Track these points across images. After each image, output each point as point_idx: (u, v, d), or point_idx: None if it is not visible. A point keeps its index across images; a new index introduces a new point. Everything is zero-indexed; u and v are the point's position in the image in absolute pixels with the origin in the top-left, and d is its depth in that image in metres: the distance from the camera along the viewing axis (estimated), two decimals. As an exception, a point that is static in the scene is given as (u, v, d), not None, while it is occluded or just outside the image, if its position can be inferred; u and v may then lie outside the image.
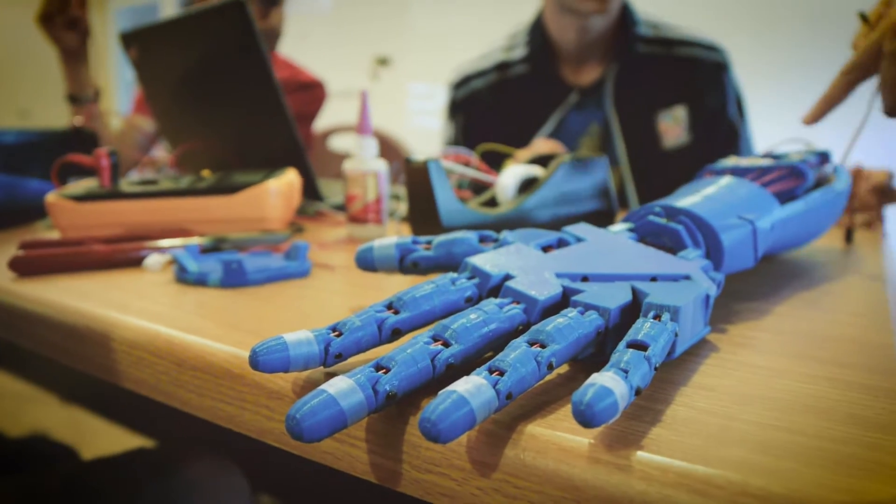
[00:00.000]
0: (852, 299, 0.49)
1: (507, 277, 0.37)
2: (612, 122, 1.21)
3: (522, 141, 1.24)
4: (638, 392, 0.27)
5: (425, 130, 4.23)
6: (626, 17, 1.22)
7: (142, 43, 1.02)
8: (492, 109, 1.31)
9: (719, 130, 1.23)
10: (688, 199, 0.48)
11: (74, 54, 1.27)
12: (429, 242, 0.44)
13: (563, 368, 0.34)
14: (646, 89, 1.22)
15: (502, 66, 1.29)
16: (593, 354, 0.34)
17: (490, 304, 0.34)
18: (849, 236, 0.73)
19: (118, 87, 6.04)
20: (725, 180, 0.52)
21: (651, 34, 1.23)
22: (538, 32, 1.26)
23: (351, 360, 0.34)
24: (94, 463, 0.72)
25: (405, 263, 0.44)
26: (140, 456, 0.73)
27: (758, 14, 3.02)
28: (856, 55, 0.56)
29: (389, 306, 0.35)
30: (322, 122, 1.79)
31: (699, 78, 1.22)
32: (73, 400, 1.54)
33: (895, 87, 0.52)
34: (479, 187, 0.73)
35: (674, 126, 1.21)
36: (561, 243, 0.43)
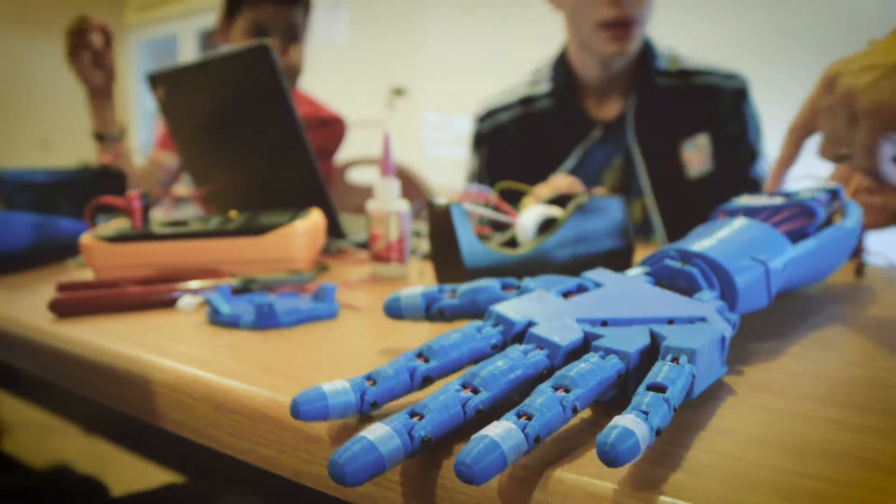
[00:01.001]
0: (866, 338, 0.51)
1: (531, 324, 0.39)
2: (635, 155, 1.24)
3: (545, 174, 1.26)
4: (658, 432, 0.29)
5: (441, 159, 4.26)
6: (647, 52, 1.25)
7: (168, 83, 1.06)
8: (516, 143, 1.33)
9: (741, 156, 1.25)
10: (702, 242, 0.49)
11: (101, 93, 1.32)
12: (453, 290, 0.46)
13: (587, 412, 0.36)
14: (668, 120, 1.24)
15: (527, 101, 1.32)
16: (615, 396, 0.36)
17: (515, 350, 0.36)
18: (859, 271, 0.74)
19: (139, 119, 6.14)
20: (738, 222, 0.54)
21: (670, 67, 1.26)
22: (562, 68, 1.29)
23: (385, 406, 0.36)
24: (124, 499, 0.74)
25: (431, 312, 0.46)
26: (170, 492, 0.75)
27: (774, 43, 3.05)
28: (797, 115, 0.64)
29: (420, 355, 0.37)
30: (340, 154, 1.83)
31: (719, 105, 1.25)
32: (95, 431, 1.56)
33: (832, 138, 0.60)
34: (499, 222, 0.75)
35: (697, 155, 1.23)
36: (580, 289, 0.45)
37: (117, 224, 0.82)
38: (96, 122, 1.34)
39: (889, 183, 0.58)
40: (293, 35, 1.54)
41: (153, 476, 1.04)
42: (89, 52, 1.27)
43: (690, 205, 1.18)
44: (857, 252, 0.75)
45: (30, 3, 5.48)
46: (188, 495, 0.75)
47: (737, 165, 1.25)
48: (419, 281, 0.74)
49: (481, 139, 1.39)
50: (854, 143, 0.56)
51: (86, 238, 0.74)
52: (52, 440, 2.06)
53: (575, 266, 0.64)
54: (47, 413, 1.49)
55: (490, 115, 1.37)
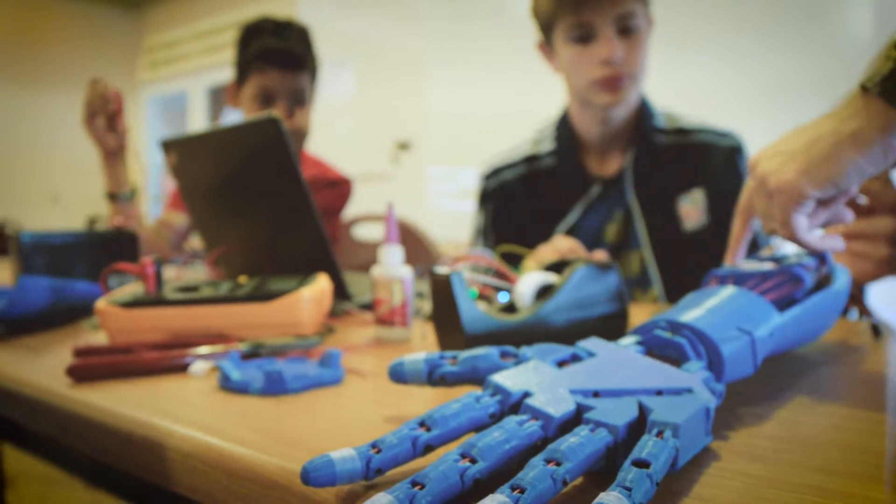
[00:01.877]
0: (852, 401, 0.53)
1: (526, 395, 0.41)
2: (633, 209, 1.28)
3: (549, 230, 1.32)
4: (641, 508, 0.31)
5: (446, 212, 4.31)
6: (644, 111, 1.30)
7: (180, 150, 1.10)
8: (520, 200, 1.38)
9: (735, 211, 1.29)
10: (691, 312, 0.52)
11: (114, 155, 1.36)
12: (454, 357, 0.49)
13: (578, 481, 0.38)
14: (665, 176, 1.29)
15: (531, 159, 1.38)
16: (604, 466, 0.38)
17: (511, 421, 0.38)
18: (876, 332, 0.75)
19: (148, 173, 6.23)
20: (726, 291, 0.56)
21: (667, 125, 1.32)
22: (564, 127, 1.35)
23: (388, 473, 0.38)
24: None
25: (433, 377, 0.48)
26: None
27: (770, 96, 3.11)
28: (740, 198, 0.75)
29: (422, 423, 0.39)
30: (346, 210, 1.87)
31: (713, 161, 1.29)
32: (96, 484, 1.56)
33: (762, 215, 0.67)
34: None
35: (693, 209, 1.28)
36: (575, 358, 0.48)
37: (131, 289, 0.85)
38: (109, 182, 1.38)
39: (812, 249, 0.64)
40: (299, 100, 1.59)
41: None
42: (103, 117, 1.32)
43: (687, 257, 1.25)
44: (863, 313, 0.77)
45: (42, 58, 5.62)
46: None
47: (731, 220, 1.28)
48: (422, 344, 0.76)
49: (487, 196, 1.43)
50: (774, 218, 0.64)
51: (101, 303, 0.76)
52: (56, 493, 2.06)
53: (571, 330, 0.67)
54: (50, 465, 1.49)
55: (495, 173, 1.42)
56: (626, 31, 1.19)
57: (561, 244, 1.04)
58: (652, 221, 1.28)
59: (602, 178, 1.32)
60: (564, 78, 1.30)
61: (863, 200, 0.70)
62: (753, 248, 1.10)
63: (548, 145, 1.37)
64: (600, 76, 1.20)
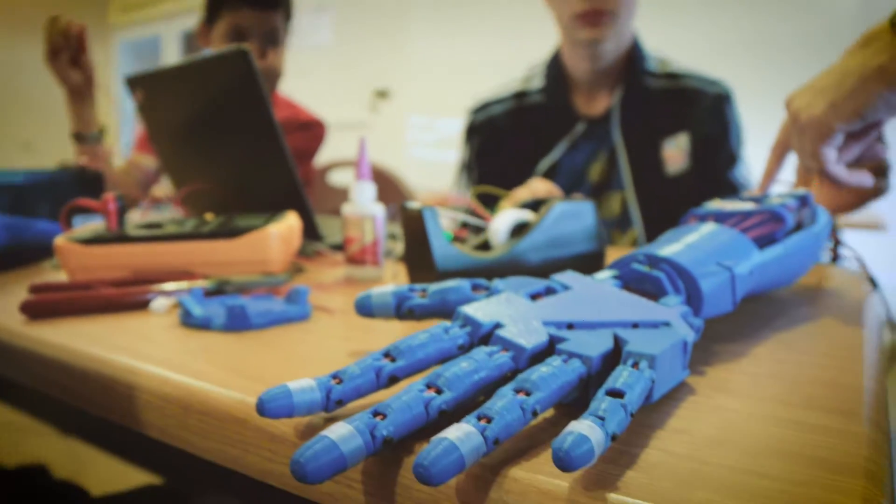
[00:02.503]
0: (829, 340, 0.52)
1: (497, 326, 0.39)
2: (618, 150, 1.28)
3: (533, 166, 1.32)
4: (614, 438, 0.29)
5: (424, 162, 4.28)
6: (635, 52, 1.29)
7: (147, 86, 1.06)
8: (506, 134, 1.38)
9: (720, 159, 1.28)
10: (670, 246, 0.50)
11: (80, 93, 1.31)
12: (424, 290, 0.47)
13: (549, 413, 0.36)
14: (651, 118, 1.28)
15: (520, 95, 1.37)
16: (577, 399, 0.36)
17: (480, 352, 0.36)
18: (835, 258, 0.77)
19: (121, 120, 6.10)
20: (707, 227, 0.54)
21: (659, 69, 1.30)
22: (555, 65, 1.33)
23: (350, 405, 0.37)
24: (102, 500, 0.74)
25: (402, 311, 0.46)
26: (147, 493, 0.75)
27: (757, 51, 3.08)
28: (777, 135, 0.76)
29: (387, 354, 0.37)
30: (321, 156, 1.83)
31: (701, 107, 1.28)
32: (71, 432, 1.55)
33: (796, 150, 0.70)
34: (475, 226, 0.76)
35: (676, 153, 1.27)
36: (549, 291, 0.46)
37: (93, 226, 0.82)
38: (75, 122, 1.34)
39: (838, 182, 0.67)
40: (272, 39, 1.54)
41: (132, 477, 1.03)
42: (67, 53, 1.27)
43: (668, 201, 1.24)
44: (835, 243, 0.78)
45: (9, 3, 5.44)
46: (164, 496, 0.75)
47: (714, 167, 1.28)
48: (393, 283, 0.74)
49: (473, 130, 1.43)
50: (806, 152, 0.67)
51: (60, 240, 0.73)
52: (29, 441, 2.04)
53: (547, 269, 0.65)
54: (22, 414, 1.48)
55: (484, 107, 1.41)
56: None
57: (538, 186, 1.02)
58: (636, 163, 1.27)
59: (589, 116, 1.31)
60: (552, 11, 1.27)
61: None
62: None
63: (537, 82, 1.36)
64: (580, 10, 1.18)
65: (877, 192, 0.75)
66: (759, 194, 0.74)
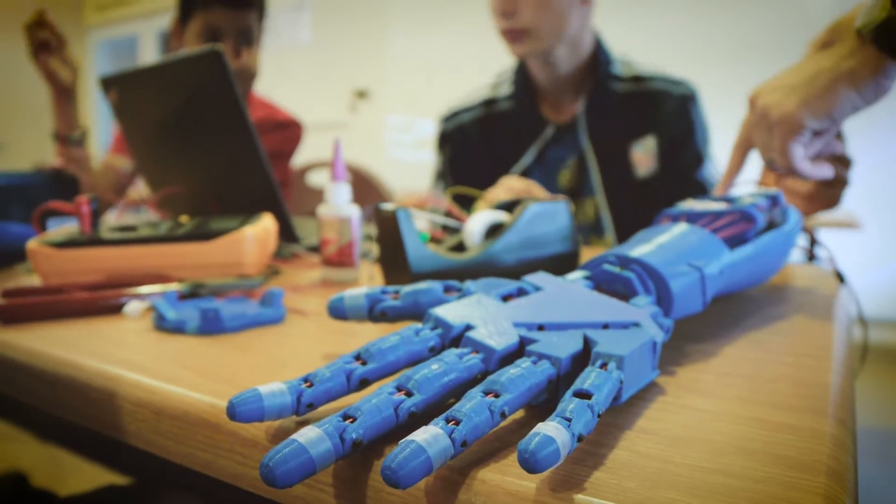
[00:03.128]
0: (799, 339, 0.52)
1: (468, 328, 0.40)
2: (587, 155, 1.28)
3: (503, 173, 1.31)
4: (580, 439, 0.30)
5: (403, 162, 4.27)
6: (600, 57, 1.29)
7: (121, 87, 1.05)
8: (477, 142, 1.38)
9: (686, 159, 1.29)
10: (641, 247, 0.51)
11: (65, 92, 1.30)
12: (396, 292, 0.47)
13: (519, 414, 0.37)
14: (618, 122, 1.29)
15: (489, 102, 1.38)
16: (547, 400, 0.37)
17: (451, 354, 0.37)
18: (811, 257, 0.78)
19: (98, 120, 6.05)
20: (678, 228, 0.55)
21: (624, 73, 1.30)
22: (522, 72, 1.34)
23: (321, 408, 0.37)
24: (69, 500, 0.74)
25: (374, 313, 0.46)
26: (111, 492, 0.75)
27: (726, 52, 3.11)
28: (738, 133, 0.76)
29: (357, 357, 0.38)
30: (300, 157, 1.82)
31: (666, 109, 1.29)
32: (50, 439, 1.53)
33: (761, 147, 0.72)
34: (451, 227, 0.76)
35: (645, 156, 1.28)
36: (520, 292, 0.46)
37: (67, 230, 0.82)
38: (59, 123, 1.32)
39: (806, 177, 0.69)
40: (247, 39, 1.53)
41: (109, 482, 1.02)
42: (52, 49, 1.26)
43: (639, 204, 1.25)
44: (811, 242, 0.79)
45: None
46: (128, 497, 0.75)
47: (682, 168, 1.29)
48: (368, 285, 0.74)
49: (445, 139, 1.43)
50: (773, 149, 0.69)
51: (33, 244, 0.73)
52: (7, 448, 2.02)
53: (522, 270, 0.65)
54: (2, 422, 1.46)
55: (454, 115, 1.42)
56: None
57: (515, 184, 1.02)
58: (605, 168, 1.28)
59: (557, 122, 1.32)
60: None
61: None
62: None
63: (506, 89, 1.37)
64: (500, 28, 1.21)
65: (835, 191, 0.76)
66: (720, 194, 0.75)
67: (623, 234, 1.26)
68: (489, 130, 1.37)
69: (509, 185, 1.03)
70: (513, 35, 1.20)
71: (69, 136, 1.33)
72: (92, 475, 1.21)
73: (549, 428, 0.28)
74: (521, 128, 1.33)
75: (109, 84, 1.06)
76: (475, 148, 1.38)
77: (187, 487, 0.77)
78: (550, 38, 1.21)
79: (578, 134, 1.29)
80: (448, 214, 0.73)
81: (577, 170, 1.30)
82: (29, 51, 1.27)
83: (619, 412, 0.37)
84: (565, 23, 1.21)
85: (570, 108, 1.31)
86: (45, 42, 1.25)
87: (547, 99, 1.33)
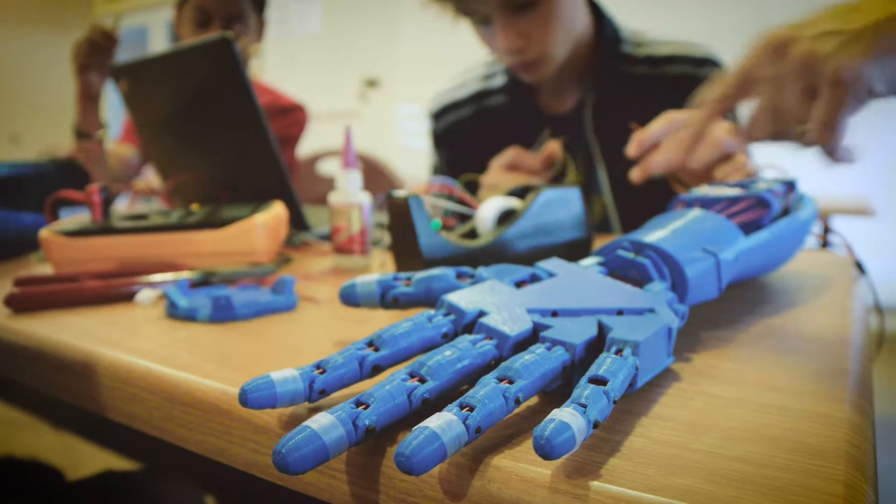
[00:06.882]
0: (815, 326, 0.52)
1: (481, 314, 0.39)
2: (593, 150, 1.16)
3: None
4: (596, 425, 0.29)
5: (414, 151, 4.27)
6: (607, 35, 1.14)
7: (131, 76, 1.05)
8: (474, 140, 1.27)
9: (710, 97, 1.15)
10: (655, 233, 0.50)
11: (95, 96, 1.31)
12: (409, 279, 0.46)
13: (533, 401, 0.36)
14: (630, 113, 1.08)
15: (480, 96, 1.27)
16: (561, 386, 0.36)
17: (464, 340, 0.36)
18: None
19: (108, 111, 6.07)
20: (693, 213, 0.54)
21: (636, 52, 1.16)
22: None
23: (334, 395, 0.36)
24: (75, 484, 0.74)
25: (386, 299, 0.46)
26: (110, 478, 0.75)
27: (748, 34, 3.08)
28: (723, 84, 0.59)
29: (370, 343, 0.37)
30: (310, 145, 1.82)
31: (688, 98, 1.14)
32: (64, 426, 1.55)
33: (774, 111, 0.54)
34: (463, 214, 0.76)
35: None
36: (534, 279, 0.46)
37: (78, 218, 0.82)
38: (82, 120, 1.32)
39: (842, 162, 0.54)
40: (238, 24, 1.53)
41: (119, 467, 1.03)
42: (98, 55, 1.27)
43: (651, 204, 1.06)
44: (825, 230, 0.76)
45: (-3, -5, 5.39)
46: (138, 482, 0.76)
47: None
48: (381, 272, 0.74)
49: (439, 139, 1.33)
50: (810, 117, 0.51)
51: (45, 232, 0.73)
52: (23, 435, 2.04)
53: (534, 257, 0.65)
54: (18, 410, 1.48)
55: (443, 112, 1.31)
56: (523, 7, 1.01)
57: (551, 146, 0.95)
58: (613, 164, 1.13)
59: (557, 116, 1.19)
60: None
61: None
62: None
63: (499, 80, 1.24)
64: (510, 63, 1.09)
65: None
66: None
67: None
68: (484, 129, 1.24)
69: (549, 147, 0.95)
70: (525, 66, 1.08)
71: (90, 133, 1.33)
72: (106, 462, 1.22)
73: (565, 414, 0.28)
74: (517, 127, 1.21)
75: (119, 73, 1.06)
76: (473, 146, 1.26)
77: (194, 473, 0.77)
78: (562, 51, 1.09)
79: (583, 127, 1.16)
80: (460, 202, 0.73)
81: (583, 166, 1.18)
82: (77, 59, 1.27)
83: (635, 399, 0.36)
84: (574, 29, 1.09)
85: (571, 97, 1.18)
86: (97, 46, 1.26)
87: (545, 89, 1.20)
